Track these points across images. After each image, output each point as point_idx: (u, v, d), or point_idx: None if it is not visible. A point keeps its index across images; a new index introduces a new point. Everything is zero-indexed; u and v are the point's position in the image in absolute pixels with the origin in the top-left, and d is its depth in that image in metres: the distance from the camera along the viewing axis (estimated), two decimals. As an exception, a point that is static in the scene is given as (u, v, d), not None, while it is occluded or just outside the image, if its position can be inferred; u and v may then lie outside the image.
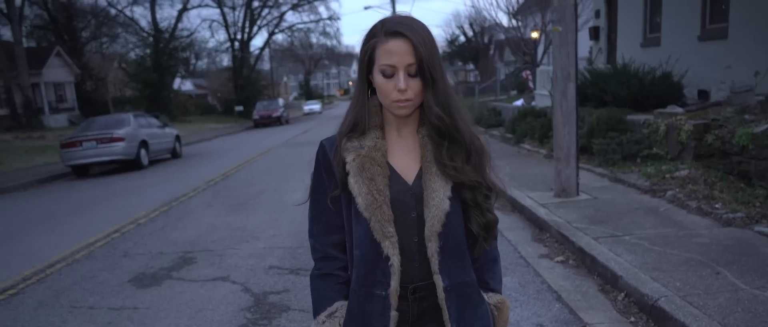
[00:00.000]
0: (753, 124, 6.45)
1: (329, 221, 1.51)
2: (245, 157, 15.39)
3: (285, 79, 77.45)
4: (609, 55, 14.97)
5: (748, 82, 8.13)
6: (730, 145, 6.59)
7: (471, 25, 45.70)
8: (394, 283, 1.42)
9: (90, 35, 37.50)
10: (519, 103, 17.11)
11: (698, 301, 3.51)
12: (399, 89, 1.35)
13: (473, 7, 56.18)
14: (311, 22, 49.76)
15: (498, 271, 1.64)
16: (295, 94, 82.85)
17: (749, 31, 8.73)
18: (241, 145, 20.39)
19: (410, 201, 1.43)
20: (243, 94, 42.22)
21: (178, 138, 17.08)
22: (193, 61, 48.97)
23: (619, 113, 9.08)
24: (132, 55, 39.42)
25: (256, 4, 43.83)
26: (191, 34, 42.63)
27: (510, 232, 5.93)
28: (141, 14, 76.91)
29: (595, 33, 16.10)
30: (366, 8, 55.44)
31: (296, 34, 50.03)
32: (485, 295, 1.56)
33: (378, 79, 1.39)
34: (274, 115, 33.49)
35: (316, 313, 1.51)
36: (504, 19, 33.90)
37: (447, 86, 1.41)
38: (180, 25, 39.55)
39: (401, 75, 1.35)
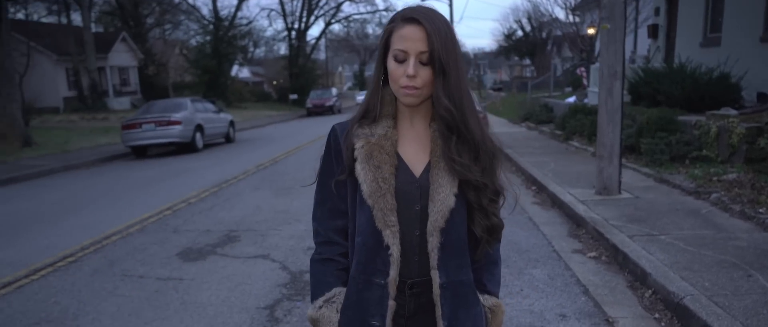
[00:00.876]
0: (807, 129, 6.25)
1: (334, 206, 1.51)
2: (296, 144, 15.76)
3: (340, 68, 78.25)
4: (667, 54, 14.58)
5: (808, 85, 7.84)
6: (782, 150, 6.41)
7: (529, 19, 44.98)
8: (393, 272, 1.42)
9: (154, 22, 38.85)
10: (571, 99, 16.86)
11: (724, 301, 3.51)
12: (408, 75, 1.35)
13: (530, 1, 55.25)
14: (368, 12, 50.24)
15: (497, 273, 1.63)
16: (349, 84, 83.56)
17: (813, 33, 8.41)
18: (292, 132, 20.84)
19: (415, 193, 1.43)
20: (298, 82, 42.95)
21: (232, 123, 17.60)
22: (250, 49, 50.03)
23: (670, 113, 8.90)
24: (193, 41, 40.70)
25: (314, -6, 44.44)
26: (250, 22, 43.67)
27: (546, 226, 5.97)
28: (203, 2, 79.39)
29: (653, 31, 15.70)
30: (423, 0, 55.36)
31: (352, 24, 50.57)
32: (481, 297, 1.55)
33: (390, 64, 1.39)
34: (327, 104, 33.98)
35: (314, 297, 1.51)
36: (561, 15, 33.31)
37: (461, 83, 1.40)
38: (239, 14, 40.54)
39: (411, 61, 1.35)
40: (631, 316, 3.69)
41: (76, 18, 31.91)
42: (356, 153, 1.43)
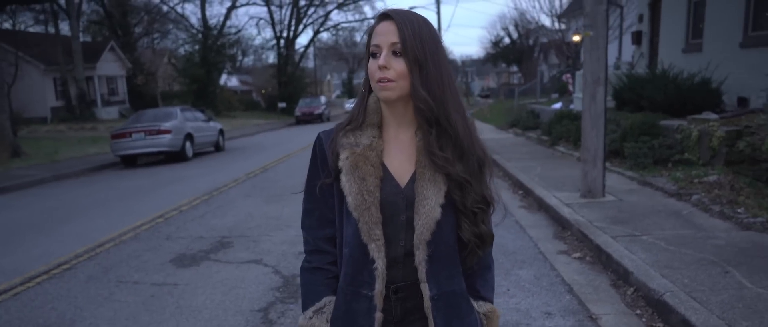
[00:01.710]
0: (784, 132, 6.45)
1: (322, 215, 1.51)
2: (285, 152, 15.85)
3: (328, 77, 78.40)
4: (651, 60, 14.85)
5: (785, 89, 8.06)
6: (760, 152, 6.60)
7: (516, 26, 45.46)
8: (379, 285, 1.42)
9: (142, 31, 38.83)
10: (557, 105, 17.10)
11: (702, 296, 3.66)
12: (379, 66, 1.35)
13: (516, 9, 55.82)
14: (356, 21, 50.31)
15: (490, 279, 1.61)
16: (338, 91, 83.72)
17: (789, 39, 8.65)
18: (282, 140, 20.92)
19: (401, 204, 1.42)
20: (286, 91, 43.03)
21: (221, 132, 17.66)
22: (239, 57, 50.16)
23: (653, 118, 9.10)
24: (181, 50, 40.69)
25: (302, 2, 44.59)
26: (238, 31, 43.77)
27: (533, 229, 6.11)
28: (191, 11, 79.38)
29: (637, 37, 15.98)
30: (411, 8, 55.64)
31: (341, 32, 50.74)
32: (475, 304, 1.55)
33: (369, 63, 1.40)
34: (316, 112, 34.08)
35: (305, 307, 1.52)
36: (547, 22, 33.70)
37: (443, 77, 1.39)
38: (228, 23, 40.64)
39: (384, 52, 1.35)
40: (613, 312, 3.83)
41: (64, 27, 31.88)
42: (341, 163, 1.42)
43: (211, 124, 17.32)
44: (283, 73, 44.06)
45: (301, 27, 46.05)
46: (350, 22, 50.80)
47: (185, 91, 35.32)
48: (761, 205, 5.72)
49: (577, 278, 4.51)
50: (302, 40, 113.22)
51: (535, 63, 43.65)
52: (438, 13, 39.08)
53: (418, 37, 1.36)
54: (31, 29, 35.04)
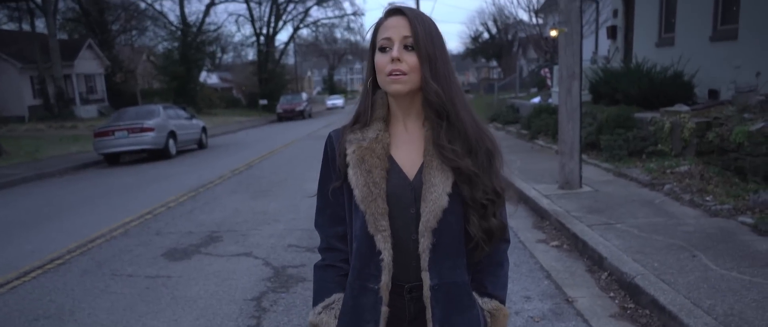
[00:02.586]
0: (750, 123, 6.76)
1: (334, 213, 1.52)
2: (268, 148, 15.96)
3: (309, 73, 78.33)
4: (626, 54, 15.22)
5: (752, 82, 8.41)
6: (728, 143, 6.90)
7: (495, 22, 45.81)
8: (386, 277, 1.41)
9: (120, 28, 38.52)
10: (536, 100, 17.40)
11: (670, 278, 3.91)
12: (393, 58, 1.35)
13: (494, 4, 56.23)
14: (336, 17, 50.50)
15: (502, 276, 1.58)
16: (318, 88, 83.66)
17: (756, 33, 8.99)
18: (264, 137, 20.99)
19: (409, 196, 1.41)
20: (267, 88, 43.00)
21: (204, 129, 17.71)
22: (219, 54, 49.86)
23: (628, 111, 9.41)
24: (160, 48, 40.44)
25: (281, -1, 44.57)
26: (218, 28, 43.58)
27: (512, 219, 6.34)
28: (170, 8, 78.68)
29: (612, 32, 16.36)
30: (390, 5, 55.81)
31: (321, 29, 50.85)
32: (480, 300, 1.52)
33: (376, 57, 1.40)
34: (297, 108, 34.15)
35: (315, 303, 1.53)
36: (525, 17, 34.07)
37: (449, 74, 1.41)
38: (207, 20, 40.42)
39: (396, 45, 1.36)
40: (588, 295, 4.07)
41: (40, 25, 31.49)
42: (348, 158, 1.43)
43: (194, 121, 17.35)
44: (263, 70, 43.99)
45: (280, 23, 46.09)
46: (330, 18, 50.98)
47: (165, 88, 35.17)
48: (728, 193, 6.02)
49: (554, 265, 4.75)
50: (282, 36, 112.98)
51: (515, 58, 44.09)
52: (417, 8, 39.13)
53: (429, 34, 1.38)
54: (5, 27, 34.57)
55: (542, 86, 22.23)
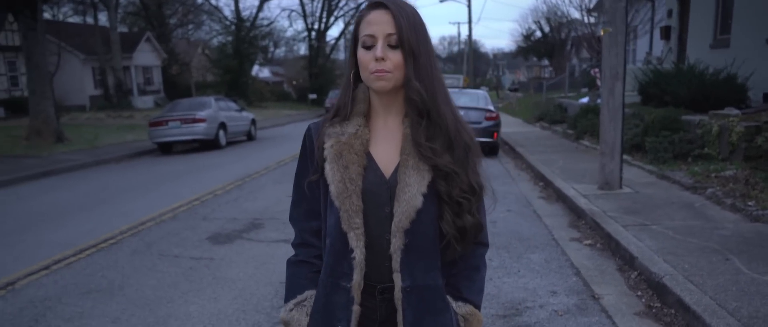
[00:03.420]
0: (800, 128, 6.58)
1: (309, 207, 1.49)
2: (315, 142, 16.22)
3: (359, 69, 78.79)
4: (679, 55, 14.85)
5: (808, 86, 8.14)
6: (777, 148, 6.74)
7: (548, 20, 45.12)
8: (357, 276, 1.39)
9: (177, 22, 39.78)
10: (585, 100, 17.17)
11: (699, 280, 3.91)
12: (376, 57, 1.32)
13: (545, 3, 55.34)
14: (387, 13, 50.52)
15: (478, 280, 1.53)
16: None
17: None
18: (312, 131, 21.29)
19: (385, 195, 1.39)
20: (317, 82, 43.59)
21: (253, 122, 18.17)
22: (271, 49, 50.92)
23: (675, 113, 9.24)
24: (215, 42, 41.53)
25: (334, -5, 45.10)
26: (271, 23, 44.53)
27: (549, 218, 6.38)
28: (225, 3, 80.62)
29: (666, 32, 15.99)
30: (442, 0, 55.68)
31: (371, 25, 50.99)
32: (454, 304, 1.48)
33: (359, 53, 1.36)
34: (346, 103, 34.42)
35: (287, 299, 1.50)
36: (577, 16, 33.43)
37: (432, 69, 1.38)
38: (261, 15, 41.27)
39: (380, 43, 1.32)
40: (615, 293, 4.11)
41: (102, 18, 32.88)
42: (326, 153, 1.41)
43: (244, 113, 17.83)
44: (313, 65, 44.61)
45: (332, 19, 46.56)
46: (381, 14, 50.97)
47: (218, 81, 36.09)
48: (772, 198, 5.89)
49: (585, 263, 4.79)
50: (333, 32, 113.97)
51: (567, 57, 43.34)
52: (468, 5, 38.97)
53: (412, 27, 1.34)
54: (70, 20, 36.18)
55: (592, 86, 21.84)
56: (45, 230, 6.51)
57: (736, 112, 8.50)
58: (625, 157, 8.22)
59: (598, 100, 16.07)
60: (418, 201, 1.35)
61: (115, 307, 4.10)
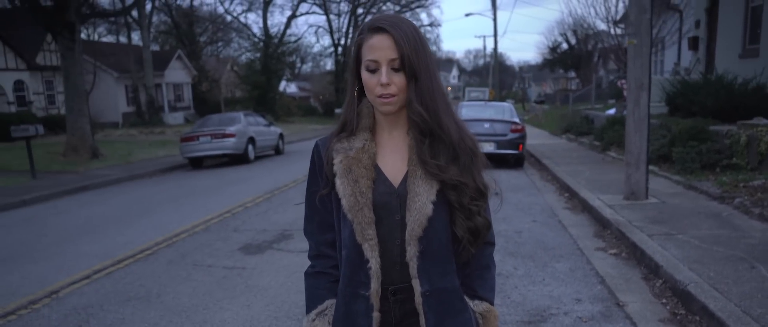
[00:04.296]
0: (830, 137, 6.53)
1: (323, 220, 1.54)
2: (342, 155, 16.42)
3: (384, 83, 79.24)
4: (708, 66, 14.71)
5: (838, 95, 8.05)
6: (806, 157, 6.69)
7: (574, 32, 44.91)
8: (374, 285, 1.44)
9: (207, 40, 40.68)
10: (611, 111, 17.08)
11: (724, 287, 3.94)
12: (381, 83, 1.37)
13: (571, 15, 55.09)
14: (412, 29, 50.86)
15: (489, 278, 1.60)
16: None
17: None
18: (338, 145, 21.52)
19: (395, 204, 1.44)
20: (343, 96, 43.91)
21: (281, 136, 18.46)
22: (298, 64, 51.49)
23: (702, 123, 9.20)
24: (243, 58, 42.31)
25: (360, 11, 45.52)
26: (298, 39, 45.08)
27: (574, 228, 6.42)
28: (253, 20, 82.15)
29: (694, 43, 15.86)
30: (467, 15, 55.91)
31: (397, 40, 51.36)
32: (471, 303, 1.54)
33: (364, 75, 1.41)
34: (371, 118, 34.66)
35: (308, 310, 1.56)
36: (603, 27, 33.23)
37: (433, 84, 1.42)
38: (288, 31, 41.91)
39: (384, 69, 1.37)
40: (640, 301, 4.15)
41: (135, 37, 33.82)
42: (335, 168, 1.45)
43: (272, 128, 18.13)
44: (340, 80, 44.98)
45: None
46: (406, 29, 51.36)
47: (247, 97, 36.69)
48: (801, 207, 5.86)
49: (610, 271, 4.83)
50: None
51: (594, 69, 43.03)
52: (494, 19, 39.06)
53: (414, 51, 1.38)
54: (104, 39, 37.25)
55: (620, 97, 21.69)
56: (84, 242, 6.77)
57: (765, 121, 8.43)
58: (651, 167, 8.21)
59: (625, 112, 16.03)
60: (429, 209, 1.41)
61: (154, 314, 4.28)
